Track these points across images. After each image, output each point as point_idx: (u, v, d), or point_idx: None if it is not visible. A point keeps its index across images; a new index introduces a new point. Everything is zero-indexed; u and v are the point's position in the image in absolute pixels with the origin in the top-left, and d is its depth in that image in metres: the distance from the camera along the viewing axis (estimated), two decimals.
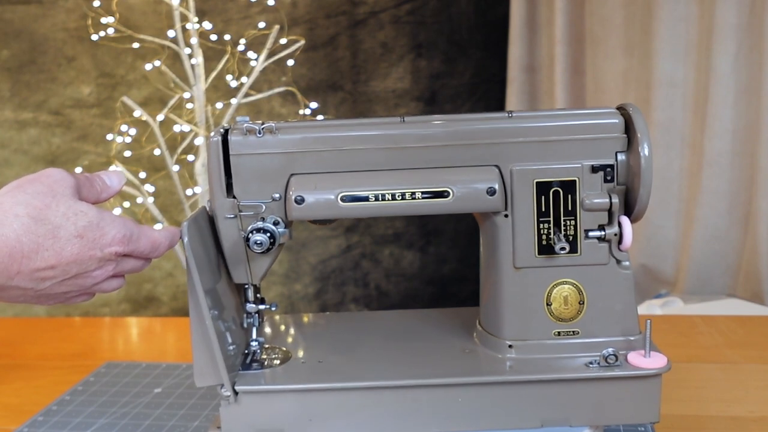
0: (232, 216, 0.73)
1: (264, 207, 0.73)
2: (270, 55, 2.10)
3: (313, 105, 2.13)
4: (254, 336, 0.80)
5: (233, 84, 2.14)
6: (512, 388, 0.71)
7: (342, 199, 0.70)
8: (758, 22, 1.79)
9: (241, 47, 2.09)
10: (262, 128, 0.71)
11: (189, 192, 2.14)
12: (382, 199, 0.70)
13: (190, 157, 2.15)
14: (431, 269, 2.58)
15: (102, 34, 2.08)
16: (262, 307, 0.79)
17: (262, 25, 2.17)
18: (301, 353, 0.79)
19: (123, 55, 2.41)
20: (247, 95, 2.10)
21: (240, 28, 2.33)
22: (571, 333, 0.73)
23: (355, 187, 0.71)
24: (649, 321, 0.70)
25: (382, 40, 2.45)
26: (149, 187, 2.17)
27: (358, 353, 0.79)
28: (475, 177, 0.71)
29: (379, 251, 2.58)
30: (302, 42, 2.10)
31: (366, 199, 0.70)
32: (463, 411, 0.71)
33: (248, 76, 2.10)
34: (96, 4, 2.10)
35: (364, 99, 2.49)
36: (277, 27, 2.08)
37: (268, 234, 0.71)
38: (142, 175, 2.21)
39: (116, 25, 2.08)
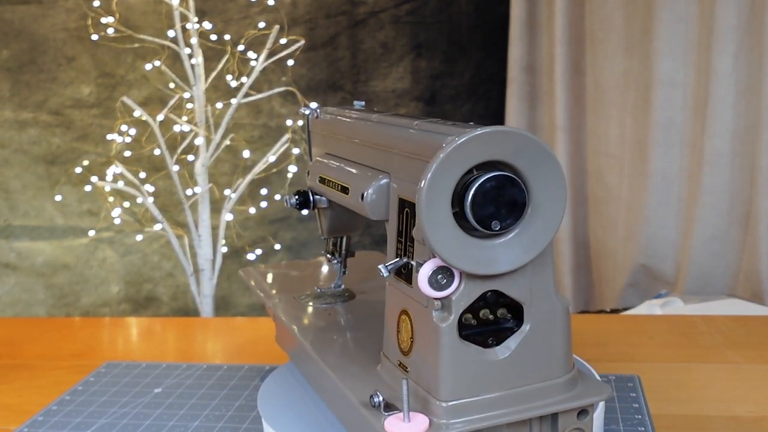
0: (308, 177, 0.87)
1: (309, 174, 0.86)
2: (270, 55, 2.10)
3: (313, 105, 2.13)
4: (336, 281, 0.91)
5: (233, 84, 2.14)
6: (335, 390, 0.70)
7: (318, 180, 0.79)
8: (758, 22, 1.79)
9: (241, 47, 2.10)
10: (317, 110, 0.86)
11: (189, 192, 2.14)
12: (327, 185, 0.77)
13: (190, 157, 2.15)
14: None
15: (102, 34, 2.09)
16: (328, 256, 0.91)
17: (262, 25, 2.17)
18: (344, 303, 0.88)
19: (123, 55, 2.41)
20: (247, 95, 2.11)
21: (240, 28, 2.33)
22: (405, 368, 0.64)
23: (326, 171, 0.78)
24: (405, 380, 0.58)
25: (382, 40, 2.46)
26: (149, 187, 2.17)
27: (348, 315, 0.85)
28: (362, 179, 0.69)
29: (379, 251, 2.58)
30: (302, 42, 2.10)
31: (324, 182, 0.78)
32: (323, 389, 0.75)
33: (248, 76, 2.10)
34: (96, 4, 2.11)
35: (364, 99, 2.49)
36: (277, 27, 2.08)
37: (298, 197, 0.83)
38: (142, 175, 2.21)
39: (116, 25, 2.08)
